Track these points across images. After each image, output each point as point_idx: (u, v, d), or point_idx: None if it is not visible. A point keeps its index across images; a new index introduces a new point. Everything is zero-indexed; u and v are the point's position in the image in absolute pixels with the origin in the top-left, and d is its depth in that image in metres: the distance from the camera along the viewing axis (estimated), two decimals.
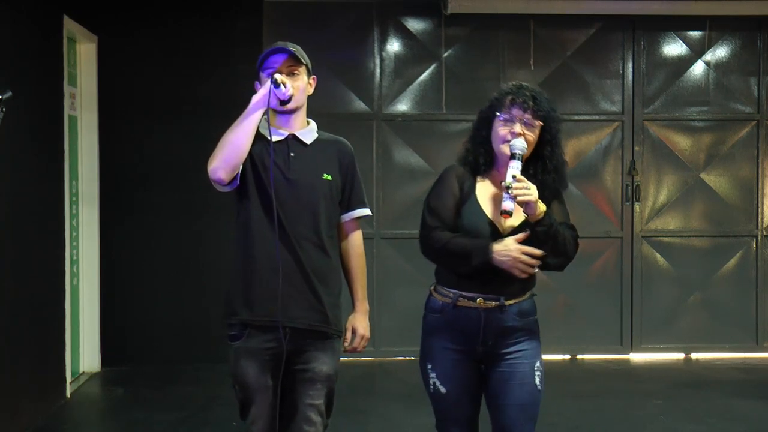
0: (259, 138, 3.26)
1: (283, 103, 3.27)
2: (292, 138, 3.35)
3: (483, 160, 3.28)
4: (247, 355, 3.30)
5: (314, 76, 3.42)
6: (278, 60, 3.30)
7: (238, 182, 3.27)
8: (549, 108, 3.24)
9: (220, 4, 7.11)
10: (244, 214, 3.32)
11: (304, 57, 3.34)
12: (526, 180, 3.10)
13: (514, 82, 3.31)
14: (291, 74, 3.30)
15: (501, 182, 3.17)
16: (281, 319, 3.24)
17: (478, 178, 3.30)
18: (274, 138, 3.30)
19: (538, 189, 3.14)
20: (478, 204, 3.25)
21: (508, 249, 3.15)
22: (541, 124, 3.23)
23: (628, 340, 7.58)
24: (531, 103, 3.20)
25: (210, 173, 3.20)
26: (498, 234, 3.21)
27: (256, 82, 3.37)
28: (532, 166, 3.23)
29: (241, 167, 3.24)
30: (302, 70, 3.33)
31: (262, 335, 3.28)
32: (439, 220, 3.24)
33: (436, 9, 7.33)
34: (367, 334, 3.46)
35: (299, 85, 3.31)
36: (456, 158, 3.37)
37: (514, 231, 3.21)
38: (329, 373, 3.34)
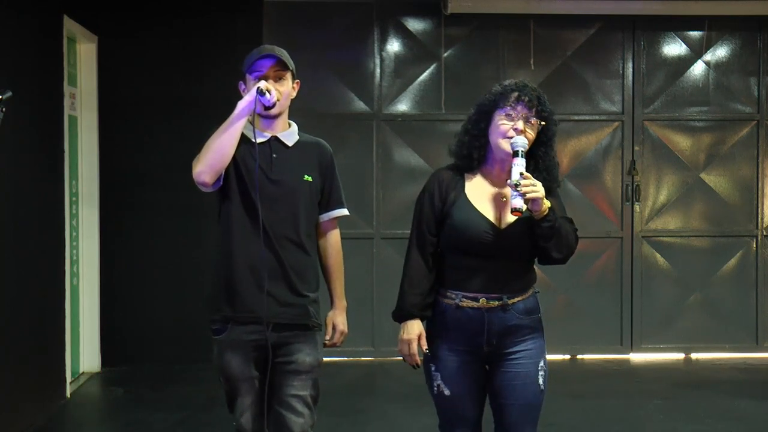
0: (242, 140, 3.34)
1: (268, 108, 3.34)
2: (275, 140, 3.42)
3: (477, 154, 3.27)
4: (231, 348, 3.40)
5: (298, 80, 3.49)
6: (266, 64, 3.36)
7: (221, 183, 3.36)
8: (550, 110, 3.25)
9: (220, 4, 7.11)
10: (226, 213, 3.42)
11: (290, 62, 3.41)
12: (532, 177, 3.09)
13: (517, 80, 3.28)
14: (278, 79, 3.37)
15: (506, 180, 3.15)
16: (262, 316, 3.32)
17: (468, 176, 3.29)
18: (258, 140, 3.38)
19: None
20: (469, 202, 3.25)
21: (408, 341, 3.29)
22: (543, 123, 3.23)
23: (628, 340, 7.58)
24: (536, 102, 3.19)
25: (195, 176, 3.29)
26: (495, 229, 3.21)
27: (240, 82, 3.44)
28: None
29: (224, 169, 3.32)
30: (288, 75, 3.41)
31: (244, 327, 3.37)
32: (421, 244, 3.34)
33: (436, 9, 7.33)
34: (346, 329, 3.58)
35: (284, 90, 3.39)
36: (449, 153, 3.36)
37: (513, 226, 3.20)
38: (313, 363, 3.42)
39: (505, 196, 3.24)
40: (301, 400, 3.39)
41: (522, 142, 3.14)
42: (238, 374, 3.40)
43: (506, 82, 3.27)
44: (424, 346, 3.32)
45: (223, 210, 3.43)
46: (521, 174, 3.07)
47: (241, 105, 3.30)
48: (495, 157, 3.25)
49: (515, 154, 3.13)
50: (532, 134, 3.20)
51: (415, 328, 3.32)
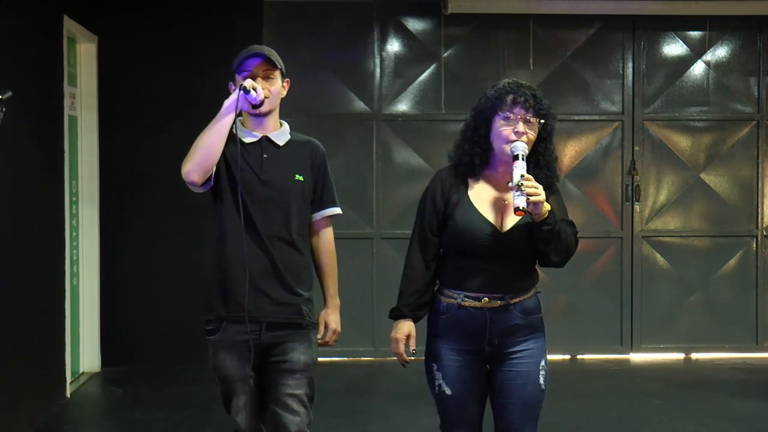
0: (232, 140, 3.36)
1: (256, 106, 3.36)
2: (266, 140, 3.44)
3: (479, 160, 3.27)
4: (225, 348, 3.41)
5: (288, 79, 3.51)
6: (253, 63, 3.38)
7: (212, 183, 3.38)
8: (547, 106, 3.25)
9: (220, 4, 7.11)
10: (219, 214, 3.44)
11: (278, 61, 3.43)
12: (533, 179, 3.10)
13: (510, 80, 3.28)
14: (266, 78, 3.39)
15: (507, 183, 3.17)
16: (256, 315, 3.34)
17: (471, 180, 3.30)
18: (248, 139, 3.41)
19: None
20: (473, 205, 3.26)
21: (396, 340, 3.33)
22: (543, 122, 3.23)
23: (628, 340, 7.58)
24: (532, 101, 3.20)
25: (184, 176, 3.33)
26: (496, 233, 3.21)
27: (230, 83, 3.46)
28: (526, 163, 3.22)
29: (213, 169, 3.34)
30: (277, 74, 3.43)
31: (237, 327, 3.37)
32: (422, 243, 3.36)
33: (436, 9, 7.33)
34: (339, 328, 3.59)
35: (273, 89, 3.40)
36: (448, 159, 3.37)
37: (514, 229, 3.21)
38: (307, 362, 3.42)
39: (507, 200, 3.25)
40: (296, 398, 3.39)
41: (522, 147, 3.16)
42: (233, 374, 3.41)
43: (500, 84, 3.27)
44: (412, 347, 3.35)
45: (216, 210, 3.46)
46: (522, 176, 3.08)
47: (226, 103, 3.33)
48: (498, 161, 3.26)
49: (515, 157, 3.14)
50: (533, 134, 3.21)
51: (404, 328, 3.35)
